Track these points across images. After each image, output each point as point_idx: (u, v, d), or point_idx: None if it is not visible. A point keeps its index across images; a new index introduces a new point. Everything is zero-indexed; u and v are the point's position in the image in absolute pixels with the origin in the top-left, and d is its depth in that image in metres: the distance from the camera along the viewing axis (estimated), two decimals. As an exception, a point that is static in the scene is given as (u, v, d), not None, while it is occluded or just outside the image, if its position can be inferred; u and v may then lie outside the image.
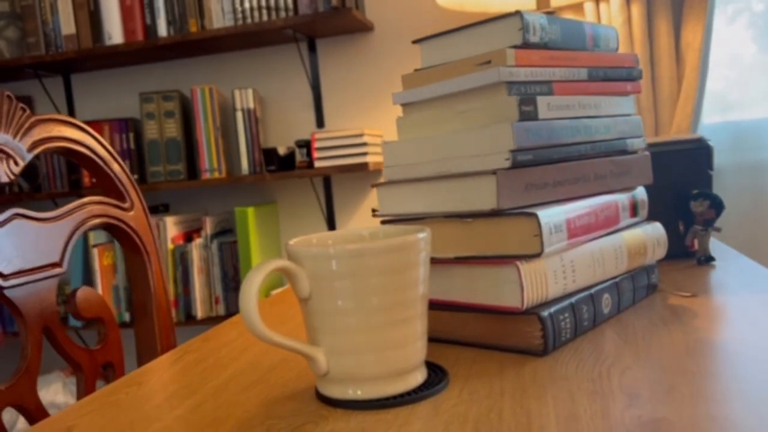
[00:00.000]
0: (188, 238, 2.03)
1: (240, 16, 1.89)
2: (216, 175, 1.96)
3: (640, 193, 0.63)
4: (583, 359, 0.46)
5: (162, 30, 1.98)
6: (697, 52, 1.56)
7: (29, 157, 0.76)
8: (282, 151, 1.93)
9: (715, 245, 0.88)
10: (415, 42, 0.59)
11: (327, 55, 2.05)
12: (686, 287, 0.65)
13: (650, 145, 0.80)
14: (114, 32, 2.02)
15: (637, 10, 1.58)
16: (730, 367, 0.42)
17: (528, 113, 0.51)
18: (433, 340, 0.55)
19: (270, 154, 1.93)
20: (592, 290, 0.54)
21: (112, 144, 2.08)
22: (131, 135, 2.08)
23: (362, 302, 0.41)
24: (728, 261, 0.76)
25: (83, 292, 0.79)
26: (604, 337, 0.51)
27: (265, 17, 1.88)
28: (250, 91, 1.93)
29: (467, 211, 0.51)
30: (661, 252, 0.63)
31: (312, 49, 2.05)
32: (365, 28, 1.96)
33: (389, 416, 0.40)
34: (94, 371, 0.77)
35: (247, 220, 1.89)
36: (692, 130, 1.62)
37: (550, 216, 0.49)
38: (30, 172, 2.18)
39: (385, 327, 0.42)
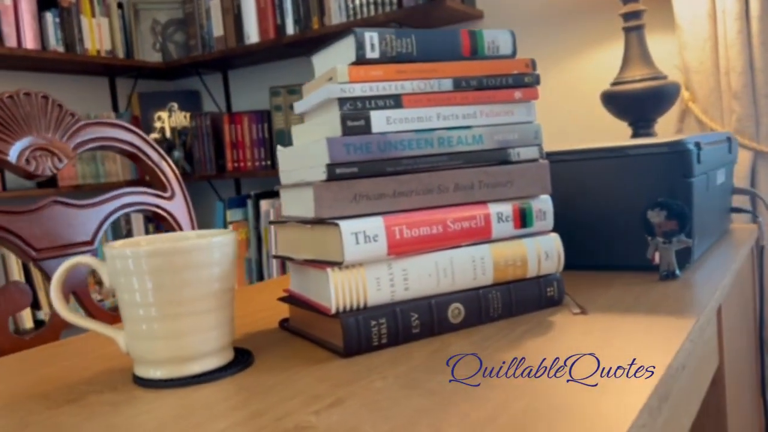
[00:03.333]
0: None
1: (351, 12, 2.00)
2: (329, 162, 2.10)
3: (540, 202, 0.61)
4: (369, 366, 0.49)
5: (290, 28, 2.16)
6: (825, 28, 1.32)
7: (74, 155, 0.94)
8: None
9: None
10: (309, 56, 0.63)
11: (438, 45, 2.07)
12: (594, 303, 0.61)
13: (619, 149, 0.74)
14: (251, 32, 2.25)
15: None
16: (451, 394, 0.42)
17: (357, 128, 0.53)
18: (295, 333, 0.60)
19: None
20: (433, 300, 0.55)
21: (250, 133, 2.32)
22: (265, 125, 2.31)
23: (155, 297, 0.48)
24: (704, 279, 0.69)
25: (113, 267, 0.96)
26: (427, 347, 0.52)
27: (372, 12, 1.96)
28: (360, 84, 2.03)
29: (307, 218, 0.55)
30: (550, 266, 0.60)
31: (425, 39, 2.09)
32: (473, 16, 1.95)
33: (149, 395, 0.47)
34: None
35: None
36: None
37: (363, 226, 0.52)
38: (191, 157, 2.52)
39: (176, 318, 0.48)
